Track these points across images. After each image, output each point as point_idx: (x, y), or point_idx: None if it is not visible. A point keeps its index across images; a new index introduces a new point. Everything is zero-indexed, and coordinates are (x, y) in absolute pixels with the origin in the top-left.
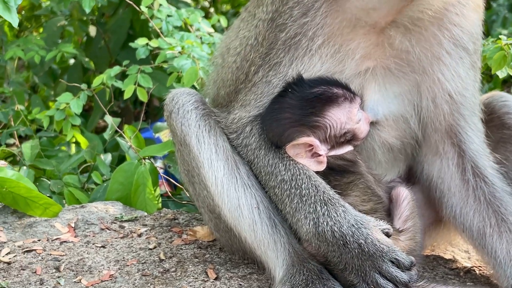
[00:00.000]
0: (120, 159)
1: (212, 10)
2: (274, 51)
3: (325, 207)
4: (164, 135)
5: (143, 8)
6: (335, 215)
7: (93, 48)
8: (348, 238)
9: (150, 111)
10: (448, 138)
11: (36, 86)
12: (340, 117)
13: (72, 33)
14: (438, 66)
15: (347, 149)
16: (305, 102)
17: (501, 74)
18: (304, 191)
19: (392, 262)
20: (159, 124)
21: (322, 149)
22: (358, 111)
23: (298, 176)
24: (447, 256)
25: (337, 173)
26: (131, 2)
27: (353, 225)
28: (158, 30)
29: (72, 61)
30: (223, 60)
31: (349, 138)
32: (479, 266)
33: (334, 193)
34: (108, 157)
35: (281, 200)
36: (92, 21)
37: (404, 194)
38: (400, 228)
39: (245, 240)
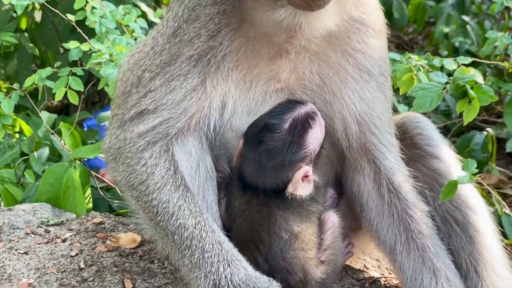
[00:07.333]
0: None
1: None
2: (178, 64)
3: (229, 268)
4: None
5: (70, 16)
6: (237, 279)
7: (43, 31)
8: None
9: (102, 97)
10: (364, 155)
11: None
12: (318, 135)
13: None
14: (345, 90)
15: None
16: (288, 143)
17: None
18: (207, 246)
19: None
20: (102, 113)
21: (310, 170)
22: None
23: (203, 227)
24: (358, 266)
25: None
26: (57, 11)
27: None
28: (86, 37)
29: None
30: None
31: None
32: (386, 276)
33: (237, 252)
34: (45, 151)
35: (178, 249)
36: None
37: (331, 223)
38: (321, 258)
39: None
